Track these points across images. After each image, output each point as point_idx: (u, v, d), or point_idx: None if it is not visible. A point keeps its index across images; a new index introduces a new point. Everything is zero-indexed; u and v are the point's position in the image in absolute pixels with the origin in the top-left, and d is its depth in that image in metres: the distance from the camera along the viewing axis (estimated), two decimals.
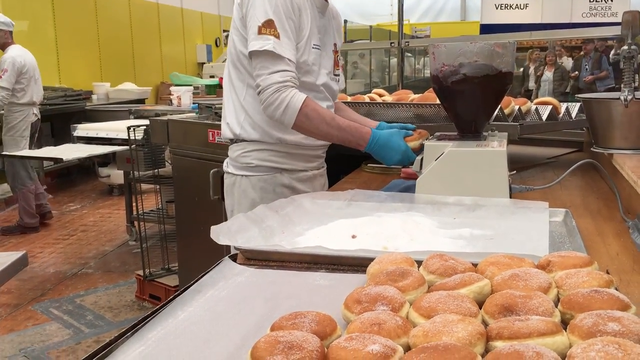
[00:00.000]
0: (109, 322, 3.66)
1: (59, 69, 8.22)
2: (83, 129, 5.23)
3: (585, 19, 9.06)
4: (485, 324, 0.83)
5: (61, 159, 4.46)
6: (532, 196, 1.69)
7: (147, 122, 3.99)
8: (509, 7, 9.72)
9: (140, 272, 3.90)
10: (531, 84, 9.30)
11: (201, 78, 10.60)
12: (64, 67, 8.29)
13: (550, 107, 2.25)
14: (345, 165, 2.43)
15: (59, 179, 7.67)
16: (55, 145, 5.53)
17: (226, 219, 1.94)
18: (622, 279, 1.12)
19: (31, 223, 5.55)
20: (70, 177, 7.81)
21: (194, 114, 3.72)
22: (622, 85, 1.73)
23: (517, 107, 2.15)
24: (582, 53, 9.12)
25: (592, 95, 2.03)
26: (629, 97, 1.70)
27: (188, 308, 1.00)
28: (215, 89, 8.64)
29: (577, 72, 9.12)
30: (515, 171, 1.71)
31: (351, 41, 9.56)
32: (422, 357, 0.70)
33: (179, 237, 3.42)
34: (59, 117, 6.99)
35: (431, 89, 2.09)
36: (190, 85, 7.64)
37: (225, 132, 1.94)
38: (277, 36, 1.72)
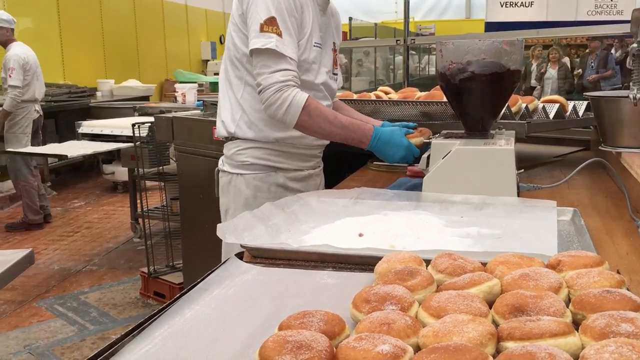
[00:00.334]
0: (113, 319, 3.66)
1: (64, 66, 8.23)
2: (87, 126, 5.24)
3: (590, 17, 9.02)
4: (495, 324, 0.82)
5: (66, 155, 4.46)
6: (539, 195, 1.68)
7: (151, 119, 3.99)
8: (514, 5, 9.68)
9: (145, 269, 3.90)
10: (533, 82, 9.23)
11: (205, 75, 10.61)
12: (69, 63, 8.30)
13: (557, 105, 2.23)
14: (351, 163, 2.42)
15: (64, 176, 7.68)
16: (59, 142, 5.53)
17: (220, 219, 1.94)
18: (633, 279, 1.11)
19: (35, 220, 5.56)
20: (75, 174, 7.82)
21: (199, 111, 3.72)
22: (630, 83, 1.72)
23: (524, 105, 2.13)
24: (587, 51, 9.04)
25: (600, 94, 2.01)
26: (638, 96, 1.68)
27: (195, 306, 1.00)
28: None
29: (580, 70, 9.04)
30: (522, 170, 1.70)
31: (356, 39, 9.55)
32: (432, 358, 0.69)
33: (184, 235, 3.42)
34: (64, 114, 7.00)
35: (437, 86, 2.08)
36: (195, 82, 7.65)
37: (220, 130, 1.92)
38: (280, 34, 1.69)
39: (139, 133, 3.87)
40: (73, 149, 4.68)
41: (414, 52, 12.12)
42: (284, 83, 1.70)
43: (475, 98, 1.70)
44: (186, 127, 3.21)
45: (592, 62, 8.80)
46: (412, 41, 3.54)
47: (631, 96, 1.69)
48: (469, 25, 14.98)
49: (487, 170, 1.57)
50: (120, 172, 6.33)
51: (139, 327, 0.91)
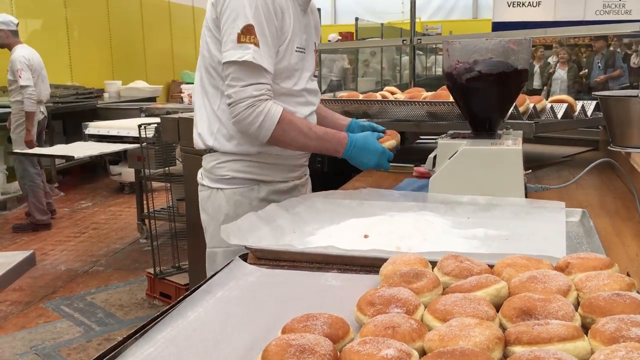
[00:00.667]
0: (119, 320, 3.66)
1: (71, 67, 8.27)
2: (94, 127, 5.25)
3: (598, 17, 8.96)
4: (502, 328, 0.80)
5: (72, 156, 4.47)
6: (547, 196, 1.66)
7: (157, 120, 3.99)
8: (521, 5, 9.63)
9: (151, 270, 3.90)
10: (536, 83, 9.14)
11: None
12: (76, 65, 8.33)
13: (565, 105, 2.21)
14: None
15: (71, 177, 7.71)
16: (66, 143, 5.55)
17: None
18: None
19: (43, 220, 5.58)
20: (82, 175, 7.84)
21: None
22: None
23: (532, 105, 2.12)
24: (593, 50, 8.94)
25: (609, 93, 1.99)
26: None
27: (198, 309, 0.99)
28: None
29: (586, 71, 8.95)
30: (530, 170, 1.68)
31: (362, 39, 9.53)
32: None
33: (190, 235, 3.41)
34: (71, 115, 7.02)
35: (444, 86, 2.06)
36: None
37: (197, 143, 1.77)
38: (257, 44, 1.57)
39: (145, 134, 3.87)
40: (80, 150, 4.69)
41: (420, 53, 12.08)
42: (256, 98, 1.59)
43: (482, 98, 1.68)
44: (192, 128, 3.20)
45: (598, 62, 8.70)
46: (419, 41, 3.52)
47: None
48: (476, 25, 14.94)
49: (494, 171, 1.56)
50: (127, 173, 6.34)
51: (142, 330, 0.90)
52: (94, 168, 7.86)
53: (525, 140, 1.82)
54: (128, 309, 3.83)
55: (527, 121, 2.02)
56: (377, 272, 1.05)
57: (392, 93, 2.62)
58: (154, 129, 3.98)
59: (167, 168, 3.98)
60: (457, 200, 1.53)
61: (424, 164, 1.74)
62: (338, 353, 0.74)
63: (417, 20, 4.11)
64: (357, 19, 10.88)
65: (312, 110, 1.81)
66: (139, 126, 3.89)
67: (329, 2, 17.26)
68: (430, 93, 2.43)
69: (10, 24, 5.43)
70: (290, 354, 0.71)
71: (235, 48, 1.57)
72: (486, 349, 0.71)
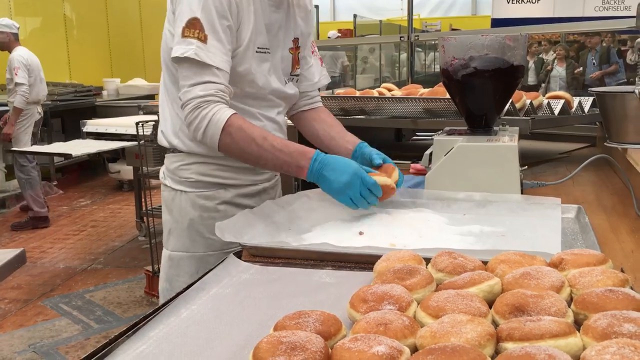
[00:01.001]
0: (118, 318, 3.67)
1: (70, 65, 8.26)
2: (93, 125, 5.25)
3: (597, 13, 8.94)
4: (495, 324, 0.80)
5: (70, 154, 4.47)
6: (544, 192, 1.65)
7: (156, 117, 3.98)
8: (520, 1, 9.62)
9: (150, 268, 3.90)
10: (530, 79, 9.10)
11: None
12: (74, 63, 8.32)
13: (562, 101, 2.21)
14: None
15: (70, 175, 7.70)
16: (65, 141, 5.57)
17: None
18: (637, 277, 1.09)
19: (41, 212, 5.62)
20: (81, 173, 7.84)
21: None
22: (636, 79, 1.69)
23: (528, 101, 2.11)
24: (588, 47, 8.89)
25: (605, 89, 1.99)
26: None
27: (191, 306, 0.99)
28: None
29: (581, 68, 8.90)
30: (526, 166, 1.68)
31: (361, 36, 9.52)
32: (429, 359, 0.67)
33: None
34: (69, 113, 7.02)
35: (441, 83, 2.06)
36: None
37: (161, 141, 1.63)
38: (203, 39, 1.41)
39: (143, 131, 3.86)
40: (78, 147, 4.69)
41: (419, 50, 12.07)
42: (203, 99, 1.42)
43: (478, 94, 1.68)
44: None
45: (592, 59, 8.67)
46: (416, 37, 3.52)
47: (637, 91, 1.66)
48: (475, 22, 14.92)
49: (490, 167, 1.55)
50: (125, 171, 6.34)
51: (134, 327, 0.90)
52: (93, 166, 7.85)
53: (522, 136, 1.82)
54: (126, 307, 3.84)
55: (523, 117, 2.02)
56: (371, 269, 1.05)
57: (390, 90, 2.62)
58: (152, 127, 3.97)
59: None
60: (453, 196, 1.53)
61: (420, 160, 1.74)
62: (330, 350, 0.74)
63: (415, 17, 4.10)
64: (355, 15, 10.87)
65: (278, 111, 1.65)
66: (137, 124, 3.88)
67: None
68: (427, 90, 2.42)
69: (12, 27, 5.68)
70: (281, 351, 0.71)
71: (180, 43, 1.42)
72: (478, 346, 0.71)
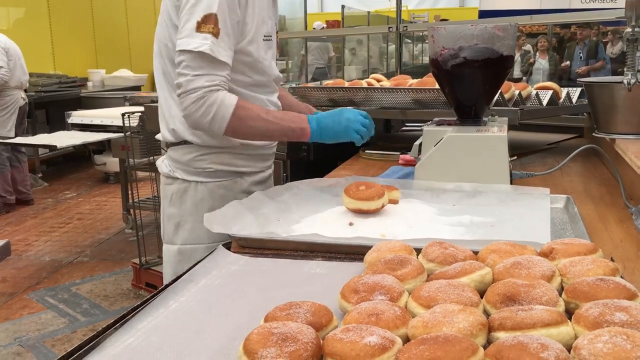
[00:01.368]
0: (104, 311, 3.64)
1: (54, 56, 8.15)
2: (78, 116, 5.18)
3: (584, 5, 8.97)
4: (486, 314, 0.80)
5: (55, 146, 4.41)
6: (532, 182, 1.66)
7: (142, 108, 3.94)
8: None
9: (137, 260, 3.87)
10: (516, 72, 9.07)
11: None
12: (59, 53, 8.21)
13: (550, 92, 2.21)
14: (342, 151, 2.40)
15: (55, 167, 7.62)
16: (50, 132, 5.50)
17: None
18: (627, 266, 1.09)
19: (9, 200, 5.70)
20: (66, 165, 7.76)
21: None
22: (625, 69, 1.69)
23: (517, 92, 2.11)
24: (578, 39, 8.87)
25: (594, 80, 1.99)
26: (632, 81, 1.66)
27: (180, 298, 0.97)
28: None
29: (568, 62, 8.87)
30: (515, 157, 1.68)
31: (349, 27, 9.48)
32: (421, 349, 0.67)
33: None
34: (54, 105, 6.93)
35: (430, 74, 2.05)
36: None
37: (167, 137, 1.64)
38: (216, 34, 1.45)
39: (129, 123, 3.82)
40: (63, 139, 4.63)
41: (408, 41, 12.07)
42: (208, 89, 1.46)
43: (468, 84, 1.68)
44: None
45: (580, 52, 8.65)
46: (405, 28, 3.50)
47: (625, 82, 1.67)
48: (463, 13, 14.94)
49: (479, 158, 1.55)
50: (111, 163, 6.28)
51: (122, 319, 0.88)
52: (78, 158, 7.77)
53: (511, 127, 1.82)
54: (113, 300, 3.81)
55: (512, 108, 2.02)
56: (362, 259, 1.05)
57: (378, 80, 2.61)
58: (138, 118, 3.93)
59: (152, 157, 3.94)
60: (442, 187, 1.53)
61: (410, 151, 1.73)
62: (321, 341, 0.73)
63: (403, 8, 4.08)
64: (343, 6, 10.81)
65: (277, 95, 1.73)
66: (123, 115, 3.84)
67: None
68: (416, 80, 2.41)
69: None
70: (272, 342, 0.70)
71: (193, 36, 1.45)
72: (470, 335, 0.71)
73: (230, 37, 1.49)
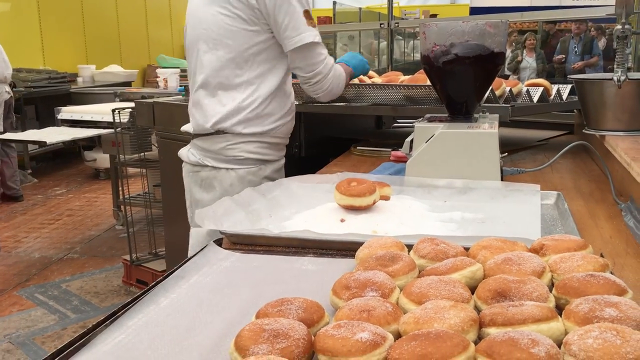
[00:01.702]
0: (95, 308, 3.62)
1: (43, 51, 8.08)
2: (67, 112, 5.15)
3: (575, 2, 9.01)
4: (477, 309, 0.80)
5: (45, 142, 4.38)
6: (523, 179, 1.66)
7: (132, 104, 3.92)
8: None
9: (127, 257, 3.86)
10: (506, 71, 9.04)
11: None
12: (48, 49, 8.14)
13: (541, 88, 2.22)
14: (334, 148, 2.40)
15: (45, 163, 7.57)
16: (39, 128, 5.45)
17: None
18: (616, 262, 1.10)
19: None
20: (56, 161, 7.71)
21: (180, 96, 3.66)
22: (614, 66, 1.70)
23: (508, 89, 2.12)
24: (573, 33, 8.84)
25: (584, 76, 2.00)
26: (622, 78, 1.67)
27: (171, 295, 0.97)
28: None
29: (562, 56, 8.84)
30: (506, 153, 1.69)
31: (341, 23, 9.47)
32: (412, 345, 0.67)
33: (166, 222, 3.38)
34: (44, 100, 6.87)
35: (421, 70, 2.05)
36: (177, 67, 7.53)
37: (203, 128, 1.85)
38: (315, 25, 1.80)
39: (120, 119, 3.80)
40: (52, 135, 4.59)
41: (399, 37, 12.05)
42: (332, 65, 1.88)
43: (459, 81, 1.68)
44: (167, 112, 3.15)
45: (575, 47, 8.65)
46: (396, 25, 3.50)
47: (615, 78, 1.68)
48: (454, 10, 14.96)
49: (470, 154, 1.55)
50: (102, 159, 6.24)
51: (113, 316, 0.88)
52: (68, 154, 7.72)
53: (502, 123, 1.82)
54: (104, 296, 3.79)
55: (503, 105, 2.02)
56: (353, 256, 1.04)
57: (370, 77, 2.60)
58: (128, 114, 3.91)
59: (142, 153, 3.93)
60: (433, 183, 1.53)
61: (401, 147, 1.73)
62: (313, 337, 0.73)
63: (395, 5, 4.08)
64: (334, 2, 10.79)
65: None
66: (114, 111, 3.81)
67: None
68: (407, 77, 2.41)
69: None
70: (263, 339, 0.70)
71: (308, 30, 1.77)
72: (461, 331, 0.71)
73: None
